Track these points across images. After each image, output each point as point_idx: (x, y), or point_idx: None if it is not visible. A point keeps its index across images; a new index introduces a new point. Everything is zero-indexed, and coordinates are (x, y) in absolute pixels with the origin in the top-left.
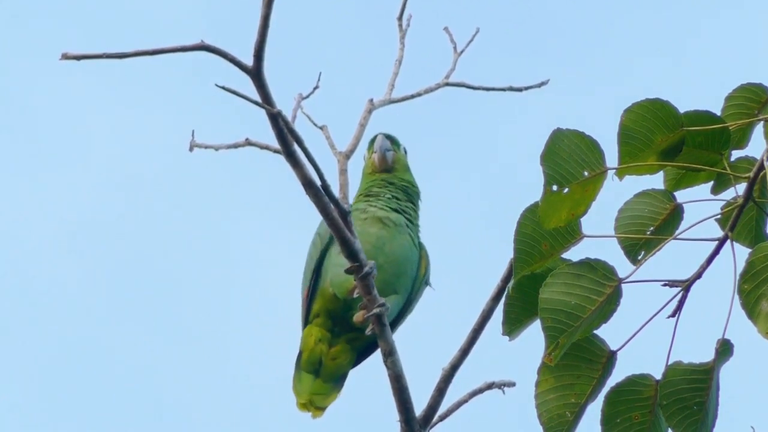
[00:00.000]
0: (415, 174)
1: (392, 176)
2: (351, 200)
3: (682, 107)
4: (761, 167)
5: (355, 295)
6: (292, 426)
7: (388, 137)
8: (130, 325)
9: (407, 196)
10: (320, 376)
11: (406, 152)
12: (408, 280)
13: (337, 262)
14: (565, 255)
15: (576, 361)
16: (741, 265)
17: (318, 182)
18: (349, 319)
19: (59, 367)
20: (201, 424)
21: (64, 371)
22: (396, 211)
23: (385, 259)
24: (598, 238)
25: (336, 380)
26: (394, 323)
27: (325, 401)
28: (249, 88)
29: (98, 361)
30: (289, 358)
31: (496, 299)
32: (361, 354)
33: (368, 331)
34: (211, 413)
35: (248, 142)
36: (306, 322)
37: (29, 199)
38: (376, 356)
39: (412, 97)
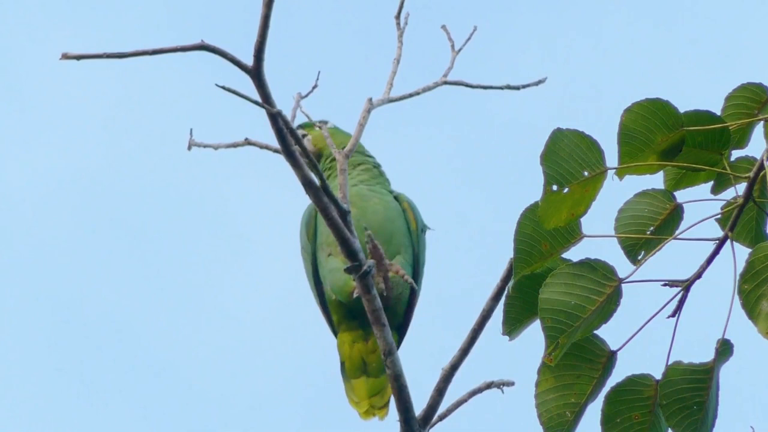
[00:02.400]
0: (414, 173)
1: (323, 160)
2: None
3: (682, 107)
4: (761, 167)
5: (355, 296)
6: (294, 423)
7: (300, 126)
8: (125, 321)
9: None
10: (370, 374)
11: (324, 123)
12: (402, 236)
13: (330, 267)
14: (565, 255)
15: (576, 361)
16: (741, 265)
17: (317, 182)
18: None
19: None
20: (203, 414)
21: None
22: (354, 185)
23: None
24: (598, 238)
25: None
26: (415, 280)
27: (383, 398)
28: (249, 87)
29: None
30: (284, 360)
31: (495, 299)
32: (399, 334)
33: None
34: (212, 410)
35: (248, 142)
36: (334, 331)
37: (28, 196)
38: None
39: (411, 95)
